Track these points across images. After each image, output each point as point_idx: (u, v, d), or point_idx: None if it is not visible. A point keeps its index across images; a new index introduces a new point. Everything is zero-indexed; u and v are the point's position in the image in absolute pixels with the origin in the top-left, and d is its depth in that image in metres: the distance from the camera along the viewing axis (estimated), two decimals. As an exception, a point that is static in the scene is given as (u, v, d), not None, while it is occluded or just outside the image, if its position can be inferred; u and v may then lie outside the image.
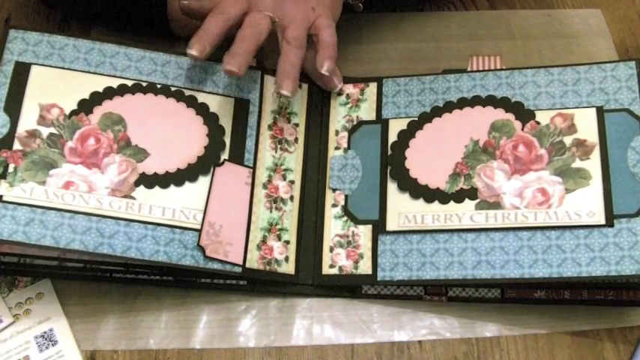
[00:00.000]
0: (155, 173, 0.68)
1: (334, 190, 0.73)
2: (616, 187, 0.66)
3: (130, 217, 0.66)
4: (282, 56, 0.71)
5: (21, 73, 0.69)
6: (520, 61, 0.84)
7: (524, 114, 0.71)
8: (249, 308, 0.70)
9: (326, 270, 0.70)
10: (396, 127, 0.73)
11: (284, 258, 0.70)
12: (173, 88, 0.72)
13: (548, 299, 0.69)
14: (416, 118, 0.73)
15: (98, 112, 0.69)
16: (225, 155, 0.70)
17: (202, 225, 0.67)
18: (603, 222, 0.65)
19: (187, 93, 0.72)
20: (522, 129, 0.70)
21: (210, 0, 0.73)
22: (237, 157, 0.71)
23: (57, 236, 0.64)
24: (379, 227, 0.70)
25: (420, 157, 0.71)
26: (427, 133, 0.72)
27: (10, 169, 0.66)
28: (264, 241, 0.69)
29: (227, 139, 0.71)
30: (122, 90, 0.70)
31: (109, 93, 0.70)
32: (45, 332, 0.68)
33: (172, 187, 0.68)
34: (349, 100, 0.76)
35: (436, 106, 0.73)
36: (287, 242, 0.70)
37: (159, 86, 0.71)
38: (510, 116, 0.71)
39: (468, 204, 0.68)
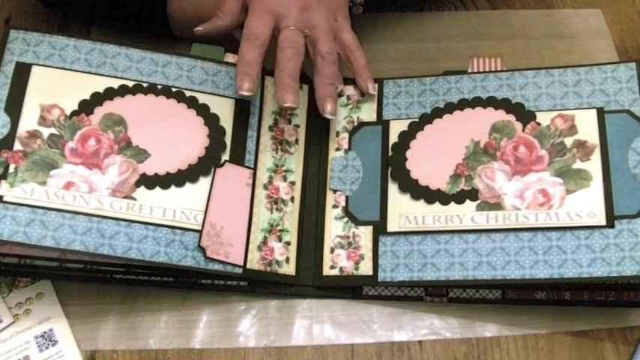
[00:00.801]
0: (156, 174, 0.68)
1: (335, 191, 0.73)
2: (617, 188, 0.66)
3: (130, 218, 0.66)
4: (318, 73, 0.72)
5: (22, 73, 0.69)
6: (520, 61, 0.84)
7: (524, 115, 0.71)
8: (249, 308, 0.70)
9: (327, 271, 0.70)
10: (396, 129, 0.73)
11: (285, 259, 0.70)
12: (174, 89, 0.72)
13: (548, 300, 0.69)
14: (417, 119, 0.73)
15: (99, 112, 0.69)
16: (225, 156, 0.70)
17: (203, 226, 0.67)
18: (604, 223, 0.65)
19: (188, 94, 0.72)
20: (523, 130, 0.70)
21: (225, 19, 0.73)
22: (237, 158, 0.71)
23: (57, 237, 0.64)
24: (380, 228, 0.70)
25: (421, 158, 0.71)
26: (428, 134, 0.72)
27: (11, 169, 0.65)
28: (264, 242, 0.69)
29: (228, 140, 0.71)
30: (123, 91, 0.70)
31: (110, 94, 0.70)
32: (45, 332, 0.68)
33: (173, 188, 0.68)
34: (350, 101, 0.76)
35: (437, 107, 0.73)
36: (288, 243, 0.70)
37: (160, 87, 0.71)
38: (511, 117, 0.71)
39: (469, 205, 0.68)
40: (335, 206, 0.72)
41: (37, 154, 0.67)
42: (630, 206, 0.65)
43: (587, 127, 0.69)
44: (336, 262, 0.70)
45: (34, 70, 0.69)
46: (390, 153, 0.72)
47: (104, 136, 0.69)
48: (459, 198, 0.69)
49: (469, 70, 0.75)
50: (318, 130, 0.76)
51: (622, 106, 0.69)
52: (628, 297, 0.69)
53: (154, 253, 0.65)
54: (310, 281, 0.70)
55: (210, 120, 0.71)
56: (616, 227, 0.65)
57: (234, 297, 0.70)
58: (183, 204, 0.68)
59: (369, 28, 0.87)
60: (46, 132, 0.67)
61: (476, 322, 0.69)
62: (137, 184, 0.67)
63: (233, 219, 0.69)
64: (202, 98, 0.72)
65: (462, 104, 0.73)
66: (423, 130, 0.73)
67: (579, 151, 0.68)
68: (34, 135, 0.67)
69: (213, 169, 0.69)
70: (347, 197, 0.72)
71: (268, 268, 0.69)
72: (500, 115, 0.71)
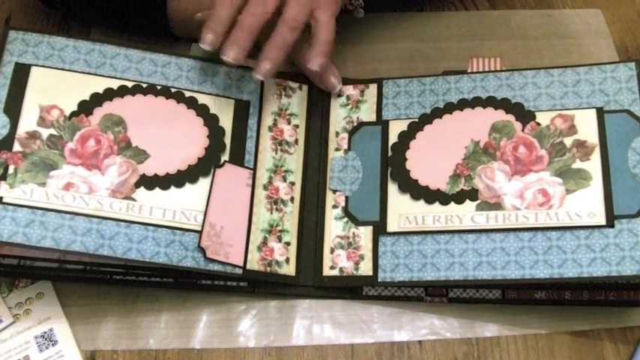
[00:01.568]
0: (155, 174, 0.68)
1: (335, 191, 0.73)
2: (616, 187, 0.66)
3: (130, 219, 0.66)
4: (273, 34, 0.70)
5: (21, 74, 0.69)
6: (520, 61, 0.84)
7: (524, 115, 0.71)
8: (249, 308, 0.70)
9: (327, 271, 0.70)
10: (396, 129, 0.73)
11: (284, 259, 0.70)
12: (173, 90, 0.72)
13: (548, 300, 0.69)
14: (416, 120, 0.73)
15: (98, 113, 0.69)
16: (225, 156, 0.70)
17: (203, 226, 0.67)
18: (604, 223, 0.65)
19: (188, 94, 0.72)
20: (523, 130, 0.70)
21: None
22: (237, 159, 0.71)
23: (57, 237, 0.64)
24: (380, 228, 0.70)
25: (421, 158, 0.71)
26: (427, 134, 0.72)
27: (10, 170, 0.65)
28: (264, 242, 0.69)
29: (227, 141, 0.71)
30: (122, 91, 0.70)
31: (110, 94, 0.70)
32: (45, 332, 0.68)
33: (173, 189, 0.68)
34: (349, 101, 0.76)
35: (436, 107, 0.73)
36: (287, 244, 0.70)
37: (159, 87, 0.71)
38: (511, 117, 0.71)
39: (469, 205, 0.68)
40: (335, 206, 0.72)
41: (36, 155, 0.67)
42: (630, 206, 0.65)
43: (586, 126, 0.69)
44: (336, 262, 0.70)
45: (34, 70, 0.69)
46: (390, 153, 0.72)
47: (104, 136, 0.69)
48: (459, 198, 0.69)
49: (469, 70, 0.75)
50: (318, 130, 0.76)
51: (621, 105, 0.69)
52: (628, 297, 0.69)
53: (153, 254, 0.65)
54: (310, 281, 0.70)
55: (210, 120, 0.71)
56: (616, 227, 0.65)
57: (234, 297, 0.70)
58: (183, 204, 0.68)
59: (369, 28, 0.87)
60: (45, 133, 0.67)
61: (476, 322, 0.69)
62: (137, 185, 0.67)
63: (233, 219, 0.69)
64: (202, 99, 0.72)
65: (462, 104, 0.73)
66: (422, 130, 0.73)
67: (579, 150, 0.68)
68: (33, 136, 0.67)
69: (212, 170, 0.69)
70: (347, 197, 0.72)
71: (268, 269, 0.69)
72: (500, 115, 0.71)
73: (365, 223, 0.71)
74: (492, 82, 0.73)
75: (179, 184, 0.68)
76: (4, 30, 0.70)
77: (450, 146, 0.71)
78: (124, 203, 0.67)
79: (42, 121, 0.68)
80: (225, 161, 0.70)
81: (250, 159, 0.71)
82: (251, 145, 0.72)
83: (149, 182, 0.68)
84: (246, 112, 0.73)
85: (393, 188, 0.71)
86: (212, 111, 0.72)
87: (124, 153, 0.68)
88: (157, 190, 0.68)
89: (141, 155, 0.69)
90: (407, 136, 0.73)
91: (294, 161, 0.74)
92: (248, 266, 0.68)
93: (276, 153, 0.73)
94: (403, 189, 0.71)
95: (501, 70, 0.74)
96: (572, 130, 0.69)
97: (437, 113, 0.73)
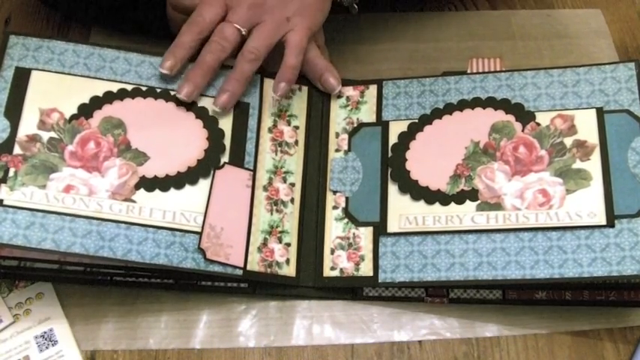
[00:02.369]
0: (155, 176, 0.68)
1: (335, 192, 0.73)
2: (616, 187, 0.66)
3: (130, 220, 0.66)
4: (234, 66, 0.72)
5: (21, 78, 0.69)
6: (520, 61, 0.84)
7: (524, 115, 0.71)
8: (249, 308, 0.70)
9: (327, 272, 0.70)
10: (396, 129, 0.73)
11: (285, 260, 0.70)
12: (173, 92, 0.72)
13: (549, 300, 0.69)
14: (416, 120, 0.73)
15: (98, 116, 0.69)
16: (225, 158, 0.70)
17: (203, 228, 0.67)
18: (604, 222, 0.65)
19: (187, 96, 0.72)
20: (523, 130, 0.70)
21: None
22: (237, 160, 0.71)
23: (57, 239, 0.64)
24: (380, 229, 0.70)
25: (421, 158, 0.71)
26: (427, 134, 0.72)
27: (11, 173, 0.66)
28: (264, 243, 0.69)
29: (227, 142, 0.71)
30: (122, 94, 0.70)
31: (109, 97, 0.70)
32: (45, 332, 0.68)
33: (173, 190, 0.68)
34: (349, 102, 0.76)
35: (436, 108, 0.73)
36: (288, 244, 0.70)
37: (158, 90, 0.71)
38: (511, 117, 0.71)
39: (469, 205, 0.68)
40: (335, 207, 0.72)
41: (36, 158, 0.67)
42: (630, 206, 0.65)
43: (586, 127, 0.69)
44: (336, 263, 0.70)
45: (34, 74, 0.69)
46: (390, 154, 0.72)
47: (103, 139, 0.69)
48: (459, 198, 0.69)
49: (468, 71, 0.75)
50: (318, 131, 0.76)
51: (621, 106, 0.69)
52: (629, 297, 0.69)
53: (154, 256, 0.65)
54: (311, 282, 0.70)
55: (209, 122, 0.71)
56: (616, 227, 0.65)
57: (234, 297, 0.70)
58: (182, 206, 0.68)
59: (369, 29, 0.87)
60: (45, 136, 0.68)
61: (476, 322, 0.69)
62: (137, 187, 0.68)
63: (233, 221, 0.69)
64: (201, 101, 0.72)
65: (462, 105, 0.73)
66: (422, 130, 0.73)
67: (579, 151, 0.68)
68: (33, 139, 0.67)
69: (212, 171, 0.69)
70: (347, 198, 0.72)
71: (269, 270, 0.69)
72: (500, 116, 0.71)
73: (365, 224, 0.71)
74: (492, 83, 0.73)
75: (179, 186, 0.68)
76: (5, 34, 0.70)
77: (450, 147, 0.71)
78: (123, 205, 0.67)
79: (42, 125, 0.68)
80: (225, 163, 0.70)
81: (250, 160, 0.71)
82: (251, 146, 0.72)
83: (149, 184, 0.68)
84: (245, 113, 0.73)
85: (393, 189, 0.71)
86: (211, 113, 0.71)
87: (123, 155, 0.68)
88: (157, 191, 0.68)
89: (140, 157, 0.69)
90: (407, 137, 0.73)
91: (294, 162, 0.74)
92: (248, 267, 0.68)
93: (276, 154, 0.73)
94: (403, 189, 0.71)
95: (501, 71, 0.74)
96: (572, 130, 0.69)
97: (437, 114, 0.73)
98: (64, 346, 0.67)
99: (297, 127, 0.75)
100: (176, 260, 0.66)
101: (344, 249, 0.70)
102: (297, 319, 0.70)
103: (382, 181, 0.71)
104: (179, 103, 0.71)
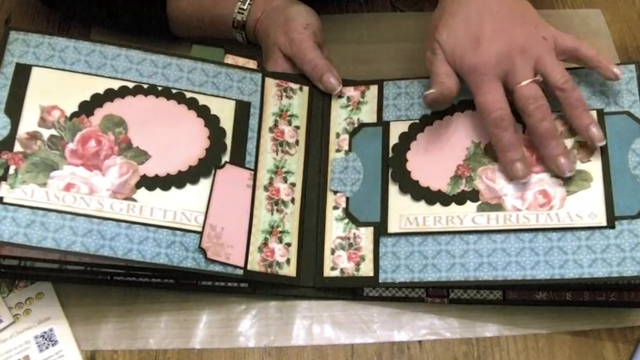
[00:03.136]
0: (156, 175, 0.68)
1: (335, 192, 0.73)
2: (617, 188, 0.66)
3: (131, 220, 0.66)
4: (566, 105, 0.68)
5: (22, 74, 0.68)
6: (520, 61, 0.84)
7: (525, 116, 0.71)
8: (249, 308, 0.70)
9: (327, 272, 0.70)
10: (397, 130, 0.73)
11: (285, 260, 0.70)
12: (174, 91, 0.71)
13: (549, 301, 0.69)
14: (417, 121, 0.73)
15: (99, 114, 0.69)
16: (226, 157, 0.70)
17: (203, 227, 0.67)
18: (604, 223, 0.65)
19: (188, 95, 0.72)
20: (523, 132, 0.70)
21: (454, 80, 0.69)
22: (238, 160, 0.71)
23: (58, 238, 0.63)
24: (380, 229, 0.70)
25: (422, 159, 0.71)
26: (428, 135, 0.72)
27: (11, 171, 0.65)
28: (265, 243, 0.69)
29: (228, 142, 0.71)
30: (123, 92, 0.70)
31: (110, 95, 0.70)
32: (45, 332, 0.68)
33: (173, 190, 0.68)
34: (350, 102, 0.76)
35: (437, 108, 0.73)
36: (288, 245, 0.70)
37: (160, 88, 0.71)
38: (511, 118, 0.71)
39: (470, 206, 0.68)
40: (335, 207, 0.72)
41: (37, 156, 0.66)
42: (630, 207, 0.65)
43: (587, 128, 0.69)
44: (336, 263, 0.70)
45: (34, 71, 0.69)
46: (391, 154, 0.72)
47: (104, 137, 0.69)
48: (460, 199, 0.69)
49: (469, 71, 0.75)
50: (319, 131, 0.75)
51: (622, 107, 0.69)
52: (629, 297, 0.69)
53: (154, 255, 0.65)
54: (311, 282, 0.70)
55: (211, 121, 0.71)
56: (616, 228, 0.65)
57: (234, 297, 0.70)
58: (183, 205, 0.68)
59: (369, 28, 0.87)
60: (46, 133, 0.67)
61: (476, 322, 0.69)
62: (137, 186, 0.67)
63: (233, 220, 0.69)
64: (203, 100, 0.72)
65: (462, 106, 0.73)
66: (423, 131, 0.73)
67: (579, 152, 0.68)
68: (34, 136, 0.67)
69: (213, 171, 0.69)
70: (347, 198, 0.72)
71: (269, 270, 0.69)
72: (501, 116, 0.71)
73: (366, 224, 0.71)
74: (493, 83, 0.73)
75: (180, 185, 0.68)
76: (5, 30, 0.70)
77: (451, 147, 0.71)
78: (124, 204, 0.66)
79: (43, 122, 0.68)
80: (226, 162, 0.70)
81: (251, 160, 0.71)
82: (252, 146, 0.72)
83: (150, 183, 0.68)
84: (247, 113, 0.73)
85: (393, 189, 0.71)
86: (213, 112, 0.71)
87: (124, 154, 0.68)
88: (158, 190, 0.68)
89: (141, 156, 0.69)
90: (408, 137, 0.73)
91: (295, 162, 0.73)
92: (249, 267, 0.68)
93: (277, 154, 0.73)
94: (404, 190, 0.71)
95: (502, 71, 0.74)
96: (572, 131, 0.69)
97: (438, 114, 0.73)
98: (64, 346, 0.67)
99: (297, 127, 0.75)
100: (176, 260, 0.66)
101: (344, 249, 0.70)
102: (297, 319, 0.70)
103: (383, 182, 0.71)
104: (180, 101, 0.71)
